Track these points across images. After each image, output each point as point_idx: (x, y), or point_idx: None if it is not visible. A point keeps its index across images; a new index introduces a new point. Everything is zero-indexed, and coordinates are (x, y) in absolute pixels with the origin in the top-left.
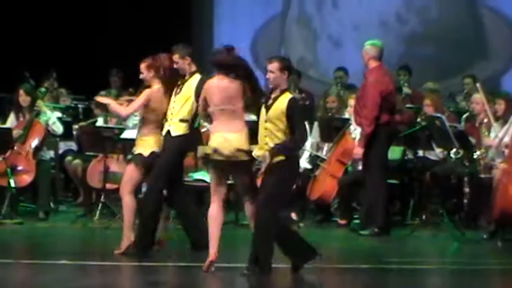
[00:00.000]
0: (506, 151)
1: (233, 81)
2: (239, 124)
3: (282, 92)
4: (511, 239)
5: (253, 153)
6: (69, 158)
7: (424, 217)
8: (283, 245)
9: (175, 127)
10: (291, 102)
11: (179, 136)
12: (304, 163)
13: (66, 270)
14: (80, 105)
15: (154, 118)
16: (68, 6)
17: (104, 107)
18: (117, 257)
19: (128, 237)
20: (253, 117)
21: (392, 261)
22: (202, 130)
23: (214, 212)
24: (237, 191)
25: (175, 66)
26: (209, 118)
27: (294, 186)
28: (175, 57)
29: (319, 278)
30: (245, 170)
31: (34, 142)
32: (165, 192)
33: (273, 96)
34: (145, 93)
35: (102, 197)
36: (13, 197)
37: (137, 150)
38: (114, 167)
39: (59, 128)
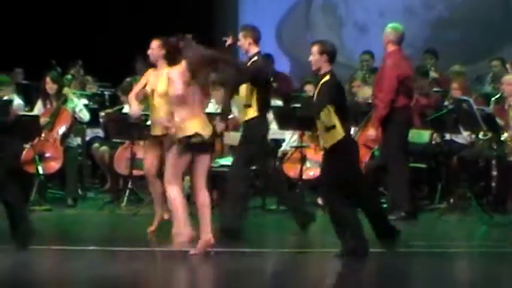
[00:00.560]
0: None
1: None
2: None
3: (322, 76)
4: None
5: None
6: (96, 145)
7: (451, 201)
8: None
9: (243, 113)
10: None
11: (247, 121)
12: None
13: (95, 256)
14: (106, 92)
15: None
16: None
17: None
18: (146, 243)
19: (160, 214)
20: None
21: (420, 244)
22: (229, 116)
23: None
24: (265, 177)
25: (238, 44)
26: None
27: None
28: (240, 35)
29: (346, 262)
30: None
31: (61, 129)
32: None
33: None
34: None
35: (130, 183)
36: (41, 184)
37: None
38: (140, 153)
39: (85, 115)
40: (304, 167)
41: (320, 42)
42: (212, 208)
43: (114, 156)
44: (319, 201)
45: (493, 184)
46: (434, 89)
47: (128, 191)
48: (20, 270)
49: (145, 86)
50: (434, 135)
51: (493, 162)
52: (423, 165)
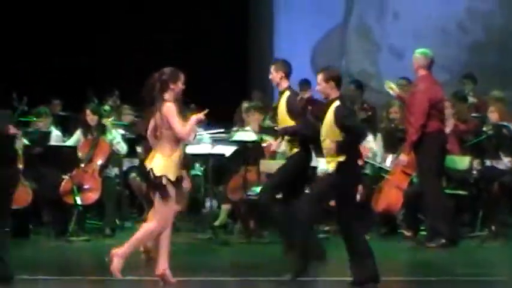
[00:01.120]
0: None
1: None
2: None
3: (331, 101)
4: None
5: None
6: (133, 174)
7: (493, 228)
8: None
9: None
10: (337, 110)
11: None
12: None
13: (133, 286)
14: None
15: None
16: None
17: None
18: (184, 271)
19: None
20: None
21: (461, 272)
22: (264, 144)
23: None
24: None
25: (270, 77)
26: None
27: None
28: (271, 68)
29: None
30: None
31: (100, 160)
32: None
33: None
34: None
35: None
36: (80, 214)
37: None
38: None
39: (123, 148)
40: None
41: (324, 69)
42: (250, 237)
43: None
44: None
45: None
46: (473, 115)
47: None
48: None
49: None
50: (474, 161)
51: None
52: (464, 192)
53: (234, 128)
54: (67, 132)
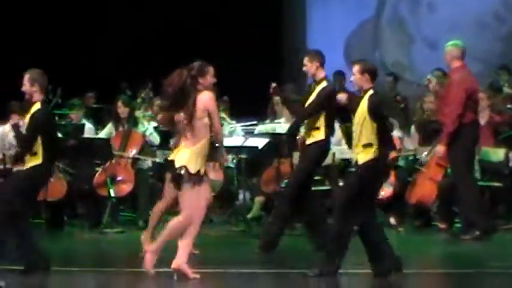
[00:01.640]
0: None
1: None
2: None
3: (364, 92)
4: None
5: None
6: None
7: None
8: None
9: (307, 135)
10: (371, 98)
11: (310, 144)
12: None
13: (168, 277)
14: None
15: None
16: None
17: None
18: (218, 263)
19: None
20: None
21: (496, 265)
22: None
23: None
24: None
25: (303, 68)
26: None
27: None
28: (305, 60)
29: (420, 284)
30: None
31: (133, 152)
32: None
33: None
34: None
35: None
36: (113, 206)
37: None
38: (210, 174)
39: (156, 139)
40: None
41: (360, 61)
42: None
43: None
44: (392, 221)
45: None
46: (508, 106)
47: None
48: None
49: None
50: (510, 153)
51: None
52: (498, 184)
53: (267, 121)
54: (100, 124)
